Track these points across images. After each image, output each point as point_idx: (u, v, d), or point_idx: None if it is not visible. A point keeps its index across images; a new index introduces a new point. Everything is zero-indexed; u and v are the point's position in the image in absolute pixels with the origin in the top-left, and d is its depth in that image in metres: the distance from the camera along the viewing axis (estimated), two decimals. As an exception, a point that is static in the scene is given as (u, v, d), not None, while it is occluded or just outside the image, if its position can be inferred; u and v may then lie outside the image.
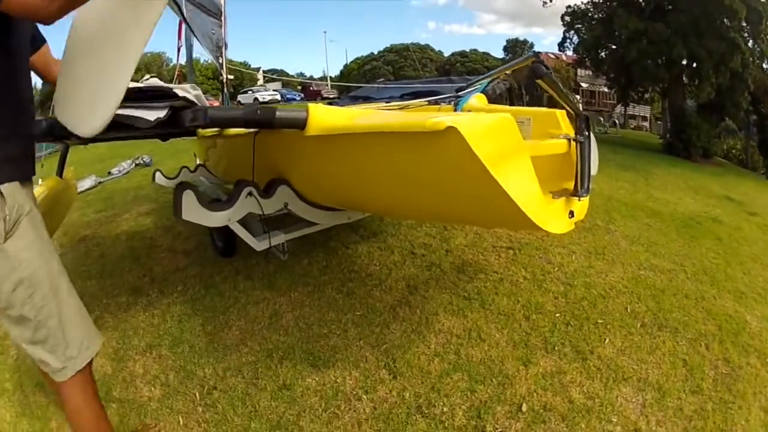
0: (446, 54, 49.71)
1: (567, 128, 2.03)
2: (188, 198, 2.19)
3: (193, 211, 2.18)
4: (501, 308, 2.40)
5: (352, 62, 52.29)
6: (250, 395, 1.93)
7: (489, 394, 1.82)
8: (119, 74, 1.32)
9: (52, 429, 1.94)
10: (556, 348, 2.09)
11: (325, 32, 48.95)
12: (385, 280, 2.70)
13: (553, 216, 1.73)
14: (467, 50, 47.20)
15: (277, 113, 1.59)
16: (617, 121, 26.91)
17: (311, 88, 39.26)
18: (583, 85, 39.88)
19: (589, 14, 19.50)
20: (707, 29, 14.70)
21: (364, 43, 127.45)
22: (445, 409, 1.76)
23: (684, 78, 16.72)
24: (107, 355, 2.24)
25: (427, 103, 2.79)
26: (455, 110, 2.60)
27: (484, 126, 1.27)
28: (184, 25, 4.64)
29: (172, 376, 2.06)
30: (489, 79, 3.29)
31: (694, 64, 15.65)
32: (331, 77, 53.02)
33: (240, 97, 36.85)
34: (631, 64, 16.32)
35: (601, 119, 24.95)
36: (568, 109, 1.89)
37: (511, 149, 1.34)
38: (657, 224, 4.32)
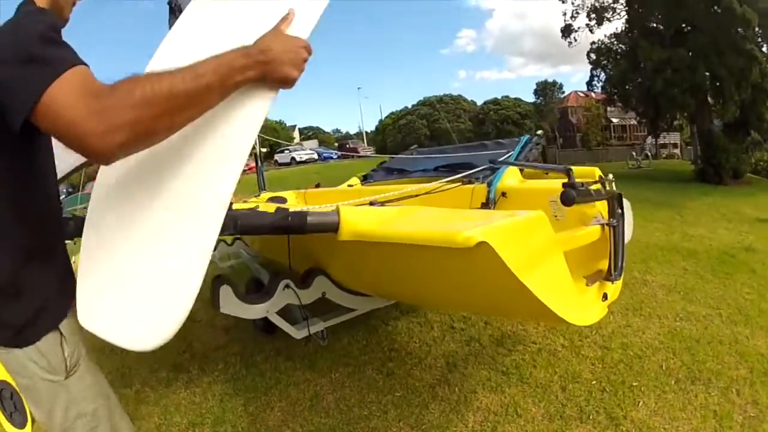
0: (479, 102, 50.52)
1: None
2: (225, 292, 2.27)
3: (230, 305, 2.26)
4: (538, 381, 2.47)
5: (386, 117, 53.47)
6: None
7: None
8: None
9: None
10: (591, 416, 2.15)
11: (359, 88, 50.02)
12: (424, 358, 2.79)
13: (586, 305, 1.84)
14: (499, 97, 47.68)
15: (309, 219, 1.56)
16: (649, 153, 26.83)
17: (348, 146, 39.62)
18: (614, 120, 40.17)
19: (614, 49, 19.92)
20: (726, 46, 14.97)
21: (398, 96, 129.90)
22: None
23: (709, 99, 16.96)
24: (149, 431, 2.34)
25: (461, 183, 2.93)
26: (489, 189, 2.75)
27: (515, 232, 1.33)
28: None
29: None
30: (520, 148, 3.46)
31: (717, 83, 15.88)
32: (366, 132, 54.07)
33: (277, 156, 37.12)
34: (658, 95, 16.58)
35: (634, 153, 25.08)
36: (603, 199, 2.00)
37: (543, 250, 1.47)
38: (693, 266, 4.41)
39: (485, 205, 2.73)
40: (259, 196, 4.87)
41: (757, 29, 15.90)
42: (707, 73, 15.62)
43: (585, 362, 2.64)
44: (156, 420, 2.42)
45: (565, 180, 1.79)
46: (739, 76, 15.16)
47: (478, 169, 3.10)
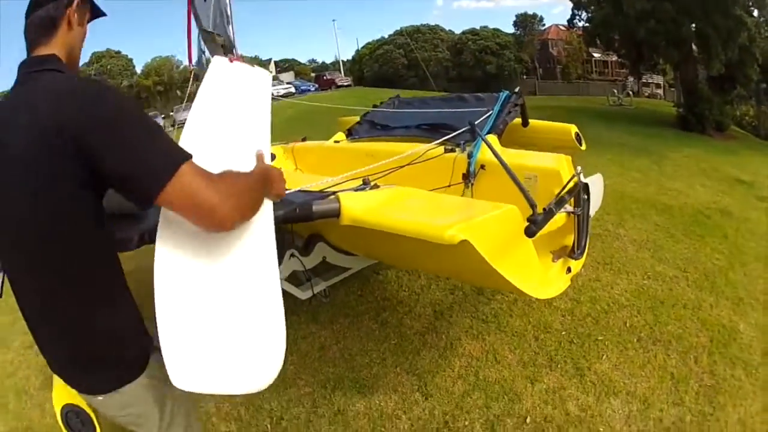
0: (457, 32, 49.28)
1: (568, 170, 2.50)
2: None
3: None
4: (514, 329, 2.83)
5: (363, 48, 52.51)
6: (311, 422, 2.35)
7: (501, 410, 2.27)
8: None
9: None
10: (559, 365, 2.52)
11: (334, 21, 48.73)
12: (414, 307, 3.15)
13: (551, 280, 2.15)
14: (477, 28, 46.56)
15: (314, 209, 1.79)
16: (631, 92, 26.88)
17: (325, 77, 39.20)
18: (596, 55, 39.95)
19: None
20: (712, 7, 14.98)
21: (373, 28, 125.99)
22: (466, 423, 2.21)
23: (694, 53, 17.03)
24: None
25: (443, 149, 3.12)
26: (469, 161, 2.94)
27: (491, 226, 1.64)
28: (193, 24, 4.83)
29: (243, 411, 2.44)
30: (499, 107, 3.65)
31: (703, 40, 15.99)
32: (343, 62, 52.90)
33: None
34: (641, 41, 16.76)
35: (615, 91, 25.12)
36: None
37: (514, 238, 1.78)
38: (666, 223, 4.67)
39: (465, 177, 2.96)
40: None
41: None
42: (692, 30, 15.70)
43: (556, 313, 3.00)
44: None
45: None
46: (726, 37, 15.26)
47: (458, 132, 3.26)
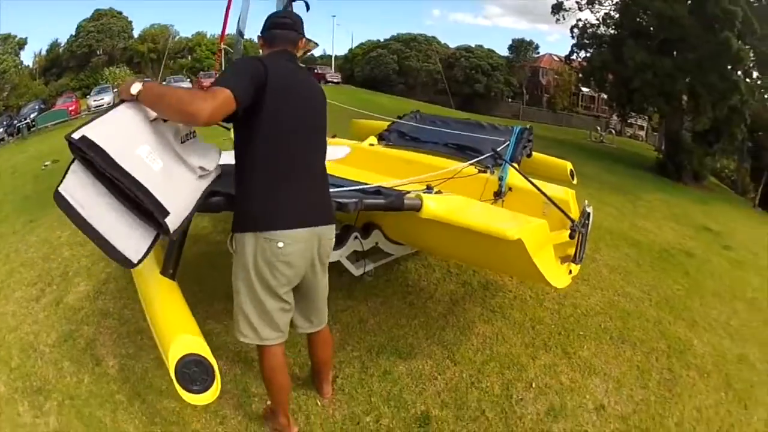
0: (452, 46, 50.92)
1: (575, 208, 3.32)
2: None
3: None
4: (515, 319, 3.59)
5: (357, 47, 53.61)
6: (363, 380, 2.91)
7: (512, 376, 3.00)
8: None
9: (197, 430, 2.68)
10: (551, 349, 3.28)
11: (334, 16, 49.11)
12: (434, 294, 3.87)
13: (561, 276, 2.96)
14: (472, 45, 48.36)
15: (405, 202, 2.48)
16: (614, 130, 28.48)
17: (315, 71, 39.10)
18: (584, 90, 41.38)
19: (599, 35, 20.91)
20: (711, 69, 15.87)
21: (369, 25, 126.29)
22: (487, 384, 2.92)
23: (683, 105, 18.05)
24: (224, 344, 3.18)
25: (476, 170, 3.84)
26: (500, 183, 3.66)
27: (534, 234, 2.41)
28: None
29: (298, 370, 2.95)
30: (515, 139, 4.34)
31: (695, 97, 16.94)
32: (335, 57, 53.33)
33: None
34: (634, 90, 17.79)
35: (599, 128, 26.71)
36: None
37: (544, 242, 2.60)
38: (635, 254, 5.47)
39: (497, 195, 3.67)
40: None
41: (751, 66, 17.09)
42: (686, 87, 16.75)
43: (546, 311, 3.76)
44: (243, 347, 3.10)
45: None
46: (718, 97, 16.18)
47: (485, 156, 3.97)
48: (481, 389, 2.90)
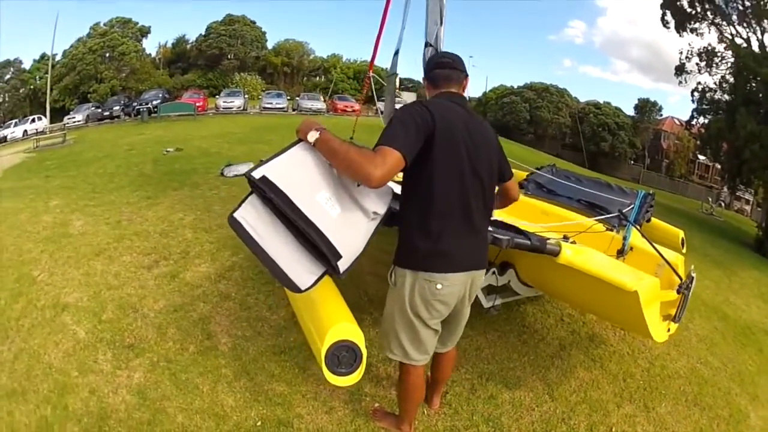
0: (581, 100, 51.41)
1: (682, 273, 3.73)
2: None
3: None
4: (611, 370, 4.29)
5: (491, 91, 54.47)
6: (470, 400, 3.45)
7: (597, 419, 3.58)
8: None
9: (300, 415, 3.09)
10: (635, 401, 3.97)
11: (471, 57, 49.25)
12: (545, 337, 4.56)
13: (661, 331, 3.32)
14: (601, 101, 48.98)
15: (548, 247, 2.85)
16: (724, 203, 28.22)
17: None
18: (700, 158, 39.97)
19: (716, 100, 20.74)
20: None
21: (502, 70, 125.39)
22: (576, 422, 3.50)
23: None
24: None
25: (604, 228, 4.36)
26: (624, 243, 4.21)
27: (648, 289, 2.80)
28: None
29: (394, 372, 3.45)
30: (639, 203, 4.92)
31: None
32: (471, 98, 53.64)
33: (379, 104, 38.20)
34: (744, 162, 17.55)
35: (710, 199, 26.22)
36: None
37: (654, 299, 2.98)
38: (722, 327, 6.02)
39: (620, 253, 4.23)
40: None
41: None
42: None
43: (638, 368, 4.42)
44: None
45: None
46: None
47: (612, 215, 4.50)
48: (569, 426, 3.46)
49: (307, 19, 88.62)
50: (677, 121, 42.99)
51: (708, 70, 21.54)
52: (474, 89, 55.82)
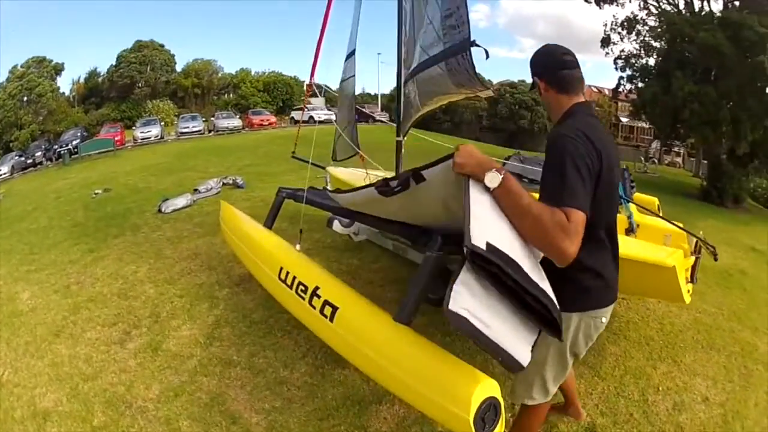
0: (494, 81, 51.74)
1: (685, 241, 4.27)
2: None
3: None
4: (633, 338, 4.66)
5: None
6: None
7: (644, 384, 3.86)
8: None
9: None
10: (665, 360, 4.34)
11: (379, 54, 49.71)
12: None
13: (688, 294, 3.64)
14: (515, 80, 49.15)
15: None
16: (656, 160, 29.88)
17: (363, 110, 38.90)
18: (623, 120, 42.15)
19: (648, 68, 22.00)
20: (749, 93, 16.99)
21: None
22: (629, 392, 3.81)
23: (724, 132, 18.90)
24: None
25: None
26: (630, 221, 4.58)
27: (679, 261, 3.22)
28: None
29: None
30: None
31: (735, 122, 17.83)
32: (382, 95, 54.73)
33: (294, 113, 38.69)
34: (682, 122, 18.87)
35: (642, 158, 27.76)
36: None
37: (682, 268, 3.38)
38: (703, 277, 6.32)
39: (629, 231, 4.59)
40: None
41: None
42: (729, 114, 17.57)
43: (653, 330, 4.84)
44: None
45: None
46: (756, 120, 17.20)
47: None
48: (625, 397, 3.70)
49: (214, 34, 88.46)
50: (595, 89, 45.50)
51: (629, 38, 23.06)
52: (384, 85, 54.93)
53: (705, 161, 22.43)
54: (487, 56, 3.31)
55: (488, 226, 1.68)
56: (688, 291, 3.79)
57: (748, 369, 4.41)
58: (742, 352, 4.74)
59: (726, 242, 9.50)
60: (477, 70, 3.79)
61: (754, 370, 4.42)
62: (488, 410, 2.03)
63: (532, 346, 1.87)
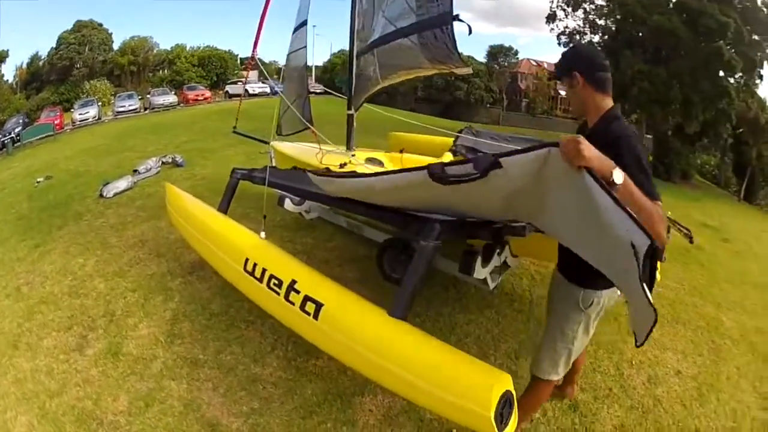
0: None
1: None
2: (478, 261, 3.43)
3: (479, 271, 3.50)
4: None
5: (335, 56, 53.65)
6: (512, 369, 3.59)
7: (617, 359, 3.94)
8: None
9: None
10: (632, 334, 4.47)
11: (314, 26, 48.60)
12: (540, 304, 4.59)
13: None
14: None
15: (525, 232, 2.97)
16: None
17: None
18: (561, 92, 42.87)
19: (594, 46, 21.97)
20: (703, 77, 17.41)
21: (345, 36, 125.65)
22: (605, 367, 3.83)
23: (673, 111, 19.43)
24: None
25: None
26: None
27: None
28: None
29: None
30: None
31: (686, 102, 18.29)
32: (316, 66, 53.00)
33: (228, 88, 38.88)
34: (632, 97, 19.01)
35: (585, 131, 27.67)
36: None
37: None
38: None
39: None
40: (353, 155, 5.71)
41: (740, 74, 18.46)
42: (680, 94, 18.05)
43: (619, 306, 4.55)
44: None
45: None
46: (708, 102, 17.72)
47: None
48: (602, 372, 3.77)
49: (152, 9, 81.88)
50: (533, 62, 46.80)
51: (574, 15, 23.57)
52: (319, 56, 54.41)
53: (649, 136, 22.99)
54: (470, 32, 3.24)
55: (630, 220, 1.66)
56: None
57: (716, 344, 4.53)
58: (708, 327, 4.84)
59: (679, 219, 9.53)
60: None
61: (722, 344, 4.55)
62: (505, 405, 2.04)
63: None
